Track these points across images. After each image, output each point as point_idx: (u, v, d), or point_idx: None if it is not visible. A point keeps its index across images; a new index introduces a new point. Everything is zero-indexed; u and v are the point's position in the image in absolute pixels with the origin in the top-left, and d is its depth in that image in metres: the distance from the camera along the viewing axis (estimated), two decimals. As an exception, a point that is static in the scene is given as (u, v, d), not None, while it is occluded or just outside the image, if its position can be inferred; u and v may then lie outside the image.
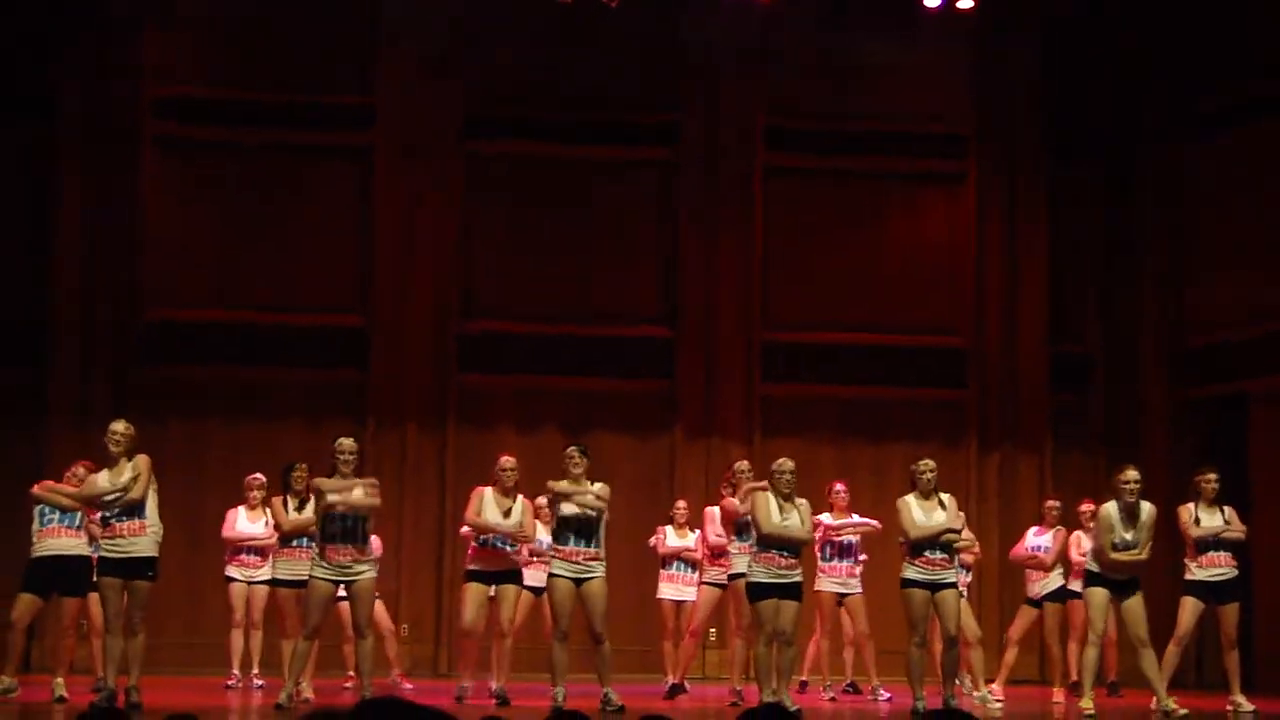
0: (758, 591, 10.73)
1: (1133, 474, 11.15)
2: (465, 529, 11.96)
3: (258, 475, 12.98)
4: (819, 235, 16.96)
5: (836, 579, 13.02)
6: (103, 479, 10.33)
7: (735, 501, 11.85)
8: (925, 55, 16.96)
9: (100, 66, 15.96)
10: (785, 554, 10.69)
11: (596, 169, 16.81)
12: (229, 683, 12.74)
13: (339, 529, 10.53)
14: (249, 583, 12.88)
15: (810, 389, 16.73)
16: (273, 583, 12.47)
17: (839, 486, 13.32)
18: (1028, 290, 17.01)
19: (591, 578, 10.85)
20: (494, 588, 11.70)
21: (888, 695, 12.69)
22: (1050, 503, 13.36)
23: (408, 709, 2.40)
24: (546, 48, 16.63)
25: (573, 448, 11.08)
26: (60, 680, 11.19)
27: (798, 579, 10.76)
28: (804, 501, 10.91)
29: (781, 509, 10.72)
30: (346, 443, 10.74)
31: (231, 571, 12.97)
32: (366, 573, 10.63)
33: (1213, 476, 11.72)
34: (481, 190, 16.60)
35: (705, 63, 16.79)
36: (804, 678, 13.50)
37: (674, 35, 16.83)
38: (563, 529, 10.93)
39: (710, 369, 16.56)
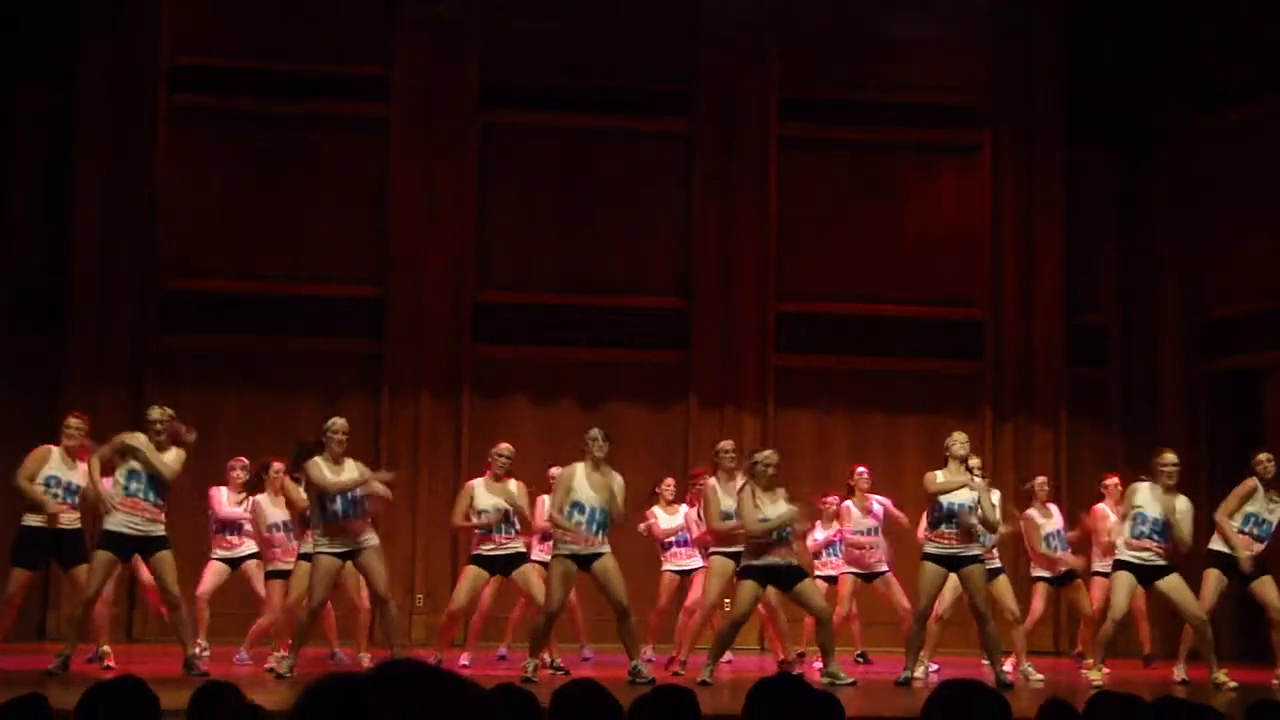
0: (746, 573, 10.68)
1: (1170, 457, 11.19)
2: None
3: (241, 458, 12.73)
4: (834, 206, 16.93)
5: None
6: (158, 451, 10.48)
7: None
8: (941, 26, 16.89)
9: (119, 36, 15.95)
10: (780, 543, 10.62)
11: (612, 139, 16.78)
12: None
13: (341, 506, 10.54)
14: (229, 560, 12.55)
15: (825, 360, 16.69)
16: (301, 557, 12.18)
17: (860, 469, 13.22)
18: (1044, 262, 16.96)
19: (599, 554, 10.72)
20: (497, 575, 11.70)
21: (935, 667, 12.20)
22: (1040, 479, 13.17)
23: (428, 672, 2.42)
24: (562, 18, 16.60)
25: (596, 430, 10.90)
26: (106, 648, 11.23)
27: (794, 561, 10.70)
28: (782, 490, 10.79)
29: (759, 502, 10.59)
30: (339, 422, 10.68)
31: (215, 550, 12.65)
32: (371, 540, 10.64)
33: (1265, 457, 11.59)
34: (497, 161, 16.59)
35: (721, 33, 16.73)
36: (802, 649, 13.44)
37: (690, 5, 16.79)
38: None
39: (725, 340, 16.55)
